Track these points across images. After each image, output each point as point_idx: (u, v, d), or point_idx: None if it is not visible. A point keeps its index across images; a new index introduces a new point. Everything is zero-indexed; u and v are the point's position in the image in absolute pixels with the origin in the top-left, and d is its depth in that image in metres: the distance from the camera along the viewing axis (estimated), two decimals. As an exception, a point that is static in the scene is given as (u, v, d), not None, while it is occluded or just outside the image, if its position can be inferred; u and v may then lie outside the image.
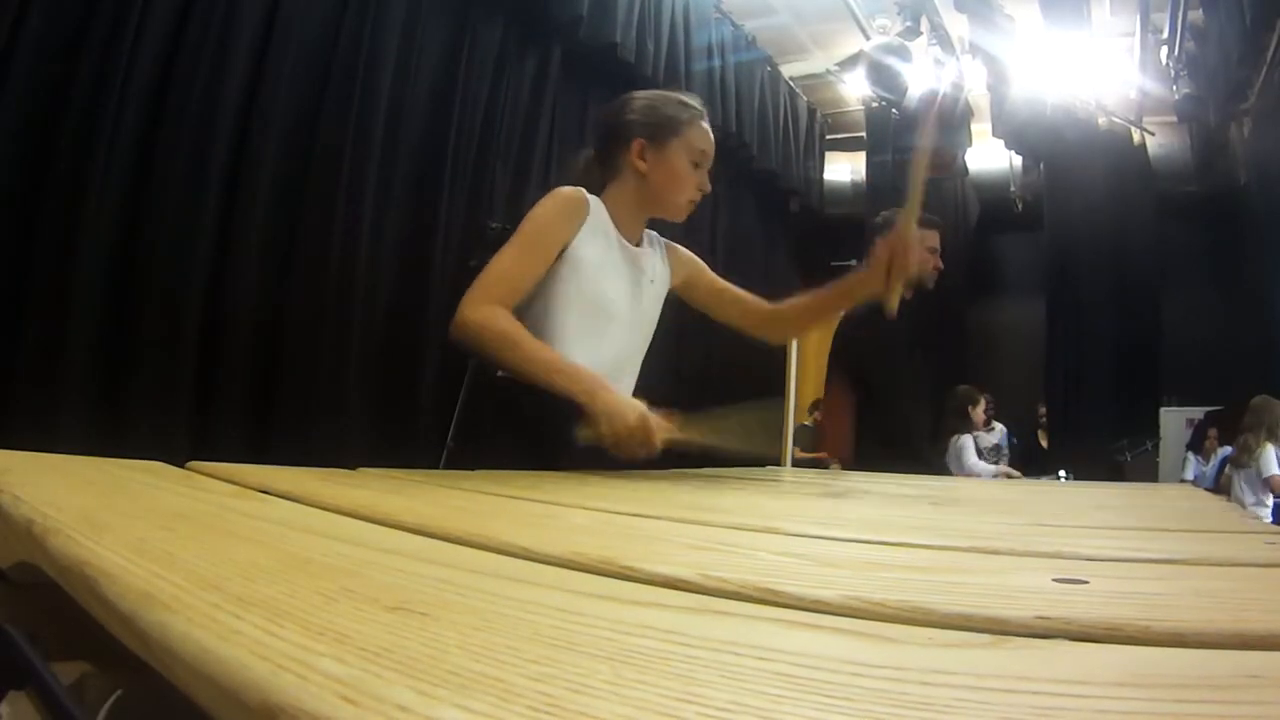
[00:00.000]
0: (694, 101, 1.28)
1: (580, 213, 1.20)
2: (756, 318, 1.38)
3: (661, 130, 1.24)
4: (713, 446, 1.09)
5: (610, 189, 1.27)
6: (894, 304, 1.21)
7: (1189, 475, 4.49)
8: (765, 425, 1.26)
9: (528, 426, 1.18)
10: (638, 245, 1.29)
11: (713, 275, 1.41)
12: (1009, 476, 4.59)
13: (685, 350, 4.22)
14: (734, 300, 1.39)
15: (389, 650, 0.22)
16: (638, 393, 1.27)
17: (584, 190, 1.22)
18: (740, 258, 4.92)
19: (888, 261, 1.19)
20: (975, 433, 4.62)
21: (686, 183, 1.25)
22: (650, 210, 1.29)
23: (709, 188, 1.28)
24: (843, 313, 2.30)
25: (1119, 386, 4.92)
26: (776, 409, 1.32)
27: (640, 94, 1.29)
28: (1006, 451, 4.84)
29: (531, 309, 1.18)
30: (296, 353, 2.48)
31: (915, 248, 1.22)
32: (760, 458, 1.29)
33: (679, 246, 1.40)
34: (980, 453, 4.57)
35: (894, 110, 5.05)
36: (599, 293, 1.21)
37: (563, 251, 1.18)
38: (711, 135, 1.27)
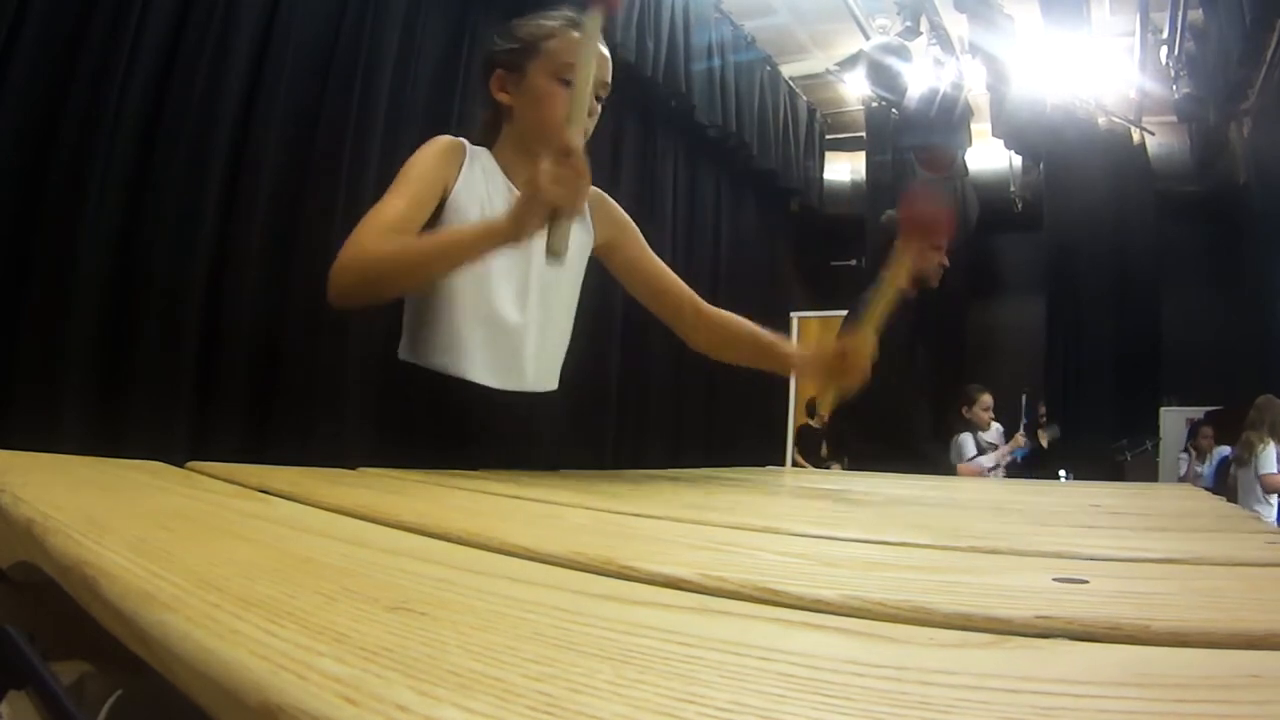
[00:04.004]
0: (573, 14, 1.07)
1: (456, 156, 1.07)
2: (686, 317, 1.20)
3: (521, 54, 1.07)
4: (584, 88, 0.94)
5: (498, 139, 1.12)
6: (827, 406, 1.11)
7: (1183, 472, 4.51)
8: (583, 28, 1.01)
9: (443, 419, 1.08)
10: None
11: (642, 250, 1.21)
12: (1019, 445, 4.63)
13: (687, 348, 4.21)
14: (659, 288, 1.20)
15: (389, 650, 0.22)
16: (585, 388, 1.18)
17: (462, 139, 1.10)
18: (740, 257, 4.93)
19: (834, 364, 1.07)
20: (976, 431, 4.63)
21: (555, 106, 1.03)
22: (532, 149, 1.07)
23: (595, 109, 1.06)
24: (846, 311, 2.30)
25: (1119, 386, 4.92)
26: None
27: (517, 20, 1.11)
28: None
29: None
30: (296, 353, 2.48)
31: (868, 359, 1.07)
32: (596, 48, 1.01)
33: (610, 201, 1.20)
34: (981, 449, 4.58)
35: (894, 110, 5.05)
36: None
37: (444, 202, 1.05)
38: (587, 43, 1.01)
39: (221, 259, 2.32)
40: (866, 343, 1.07)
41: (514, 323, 1.10)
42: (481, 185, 1.08)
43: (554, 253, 0.92)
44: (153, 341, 2.15)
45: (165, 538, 0.37)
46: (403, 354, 1.11)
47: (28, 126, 1.93)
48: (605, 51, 1.07)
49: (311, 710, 0.18)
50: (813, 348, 1.12)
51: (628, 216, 1.22)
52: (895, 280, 1.12)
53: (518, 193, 1.05)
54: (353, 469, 0.85)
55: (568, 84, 1.02)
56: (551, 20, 1.08)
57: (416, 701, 0.18)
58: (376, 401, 1.18)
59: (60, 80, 1.98)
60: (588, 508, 0.66)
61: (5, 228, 1.91)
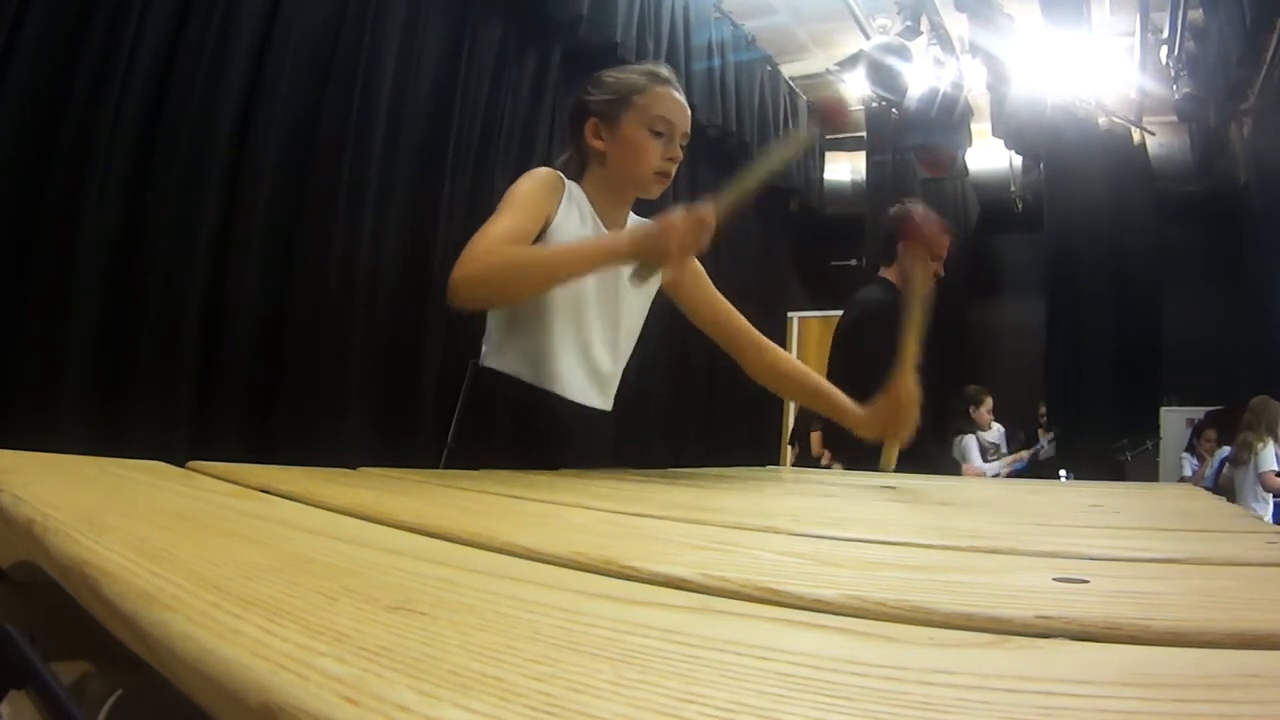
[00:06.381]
0: (657, 69, 1.22)
1: (557, 188, 1.17)
2: (744, 350, 1.34)
3: (614, 105, 1.18)
4: (752, 180, 1.10)
5: (585, 176, 1.24)
6: (891, 459, 1.21)
7: (1187, 474, 4.52)
8: (783, 144, 1.23)
9: (527, 426, 1.17)
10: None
11: (705, 286, 1.35)
12: (1021, 459, 4.66)
13: (689, 346, 4.22)
14: (719, 322, 1.34)
15: (389, 650, 0.22)
16: (628, 392, 1.30)
17: (559, 172, 1.20)
18: (740, 257, 4.93)
19: (890, 417, 1.20)
20: (978, 432, 4.64)
21: (646, 154, 1.18)
22: (621, 190, 1.23)
23: (679, 155, 1.20)
24: (842, 311, 2.30)
25: (1119, 386, 4.91)
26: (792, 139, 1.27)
27: (605, 72, 1.24)
28: (1005, 451, 4.85)
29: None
30: (296, 353, 2.48)
31: (916, 403, 1.20)
32: (787, 159, 1.24)
33: None
34: (983, 449, 4.59)
35: (894, 110, 5.05)
36: (581, 280, 1.15)
37: (544, 230, 1.14)
38: (677, 101, 1.20)
39: (222, 259, 2.32)
40: (911, 388, 1.20)
41: (609, 371, 1.24)
42: (577, 217, 1.19)
43: (638, 281, 1.06)
44: (153, 341, 2.14)
45: (165, 538, 0.37)
46: (489, 363, 1.20)
47: (28, 126, 1.93)
48: (683, 100, 1.21)
49: (312, 710, 0.18)
50: (870, 408, 1.23)
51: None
52: (917, 313, 1.20)
53: (604, 229, 1.22)
54: (353, 469, 0.85)
55: (658, 135, 1.18)
56: (638, 76, 1.21)
57: (417, 701, 0.18)
58: (459, 403, 1.31)
59: (60, 80, 1.98)
60: (588, 507, 0.66)
61: (5, 228, 1.90)
